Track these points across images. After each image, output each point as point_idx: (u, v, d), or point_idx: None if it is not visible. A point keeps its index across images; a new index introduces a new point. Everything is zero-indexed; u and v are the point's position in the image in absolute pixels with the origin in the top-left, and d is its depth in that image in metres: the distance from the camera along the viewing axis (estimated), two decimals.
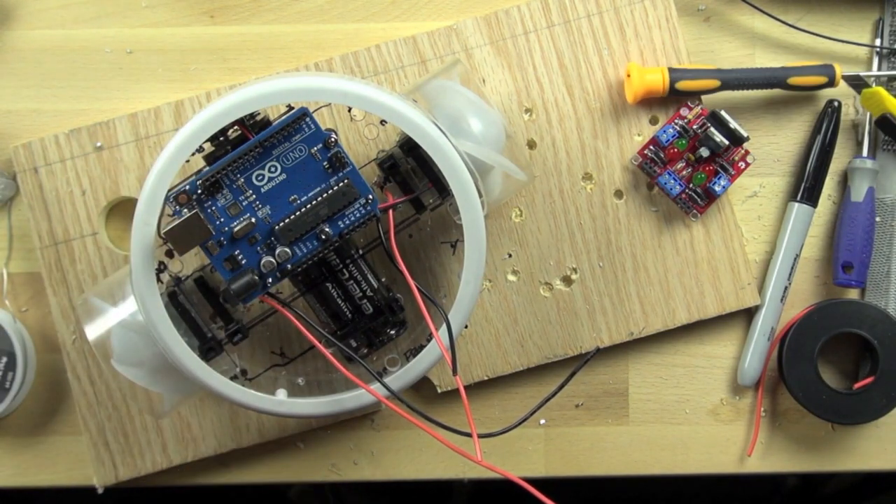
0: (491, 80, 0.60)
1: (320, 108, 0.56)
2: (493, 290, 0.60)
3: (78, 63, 0.61)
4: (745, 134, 0.58)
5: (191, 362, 0.50)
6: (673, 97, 0.60)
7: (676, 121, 0.60)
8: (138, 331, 0.52)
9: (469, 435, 0.47)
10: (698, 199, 0.60)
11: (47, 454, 0.62)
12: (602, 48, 0.60)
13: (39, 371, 0.61)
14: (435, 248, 0.60)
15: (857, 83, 0.60)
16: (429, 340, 0.53)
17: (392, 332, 0.55)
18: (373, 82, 0.57)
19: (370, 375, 0.50)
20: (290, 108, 0.50)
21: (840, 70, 0.59)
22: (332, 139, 0.49)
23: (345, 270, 0.53)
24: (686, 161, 0.60)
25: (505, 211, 0.60)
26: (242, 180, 0.49)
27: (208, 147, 0.50)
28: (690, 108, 0.60)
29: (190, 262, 0.58)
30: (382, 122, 0.58)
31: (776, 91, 0.61)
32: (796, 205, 0.61)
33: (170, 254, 0.55)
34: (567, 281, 0.61)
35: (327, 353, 0.51)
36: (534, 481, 0.48)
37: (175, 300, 0.52)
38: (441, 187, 0.53)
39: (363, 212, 0.50)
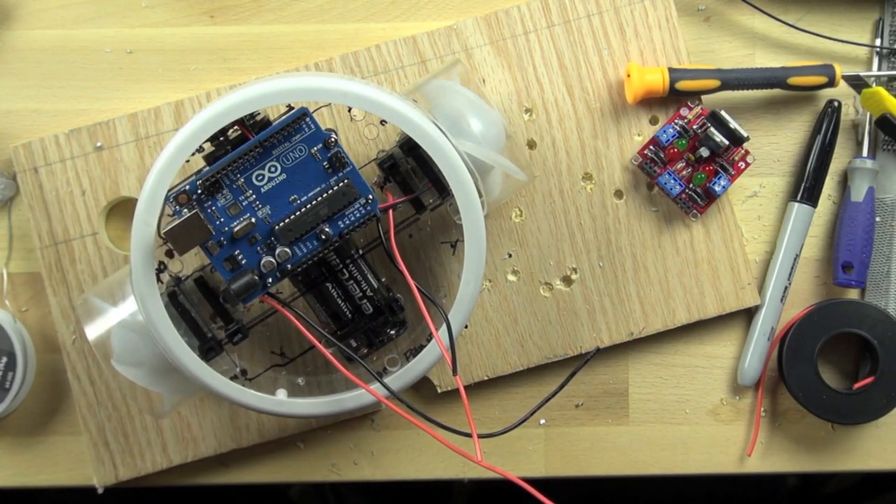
0: (491, 80, 0.60)
1: (320, 108, 0.56)
2: (493, 290, 0.60)
3: (78, 63, 0.61)
4: (745, 134, 0.58)
5: (191, 362, 0.50)
6: (673, 97, 0.60)
7: (676, 121, 0.60)
8: (138, 331, 0.52)
9: (469, 435, 0.47)
10: (698, 199, 0.60)
11: (47, 454, 0.62)
12: (602, 48, 0.60)
13: (39, 371, 0.61)
14: (435, 248, 0.60)
15: (857, 83, 0.60)
16: (429, 340, 0.53)
17: (392, 332, 0.55)
18: (373, 82, 0.57)
19: (370, 375, 0.50)
20: (290, 108, 0.50)
21: (840, 70, 0.59)
22: (332, 139, 0.49)
23: (345, 270, 0.53)
24: (686, 161, 0.60)
25: (505, 211, 0.60)
26: (242, 180, 0.49)
27: (208, 147, 0.50)
28: (690, 108, 0.60)
29: (190, 262, 0.58)
30: (382, 122, 0.58)
31: (776, 91, 0.61)
32: (796, 205, 0.61)
33: (170, 254, 0.55)
34: (567, 281, 0.61)
35: (327, 353, 0.51)
36: (534, 481, 0.48)
37: (175, 300, 0.52)
38: (441, 187, 0.53)
39: (363, 212, 0.50)
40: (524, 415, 0.49)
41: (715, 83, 0.59)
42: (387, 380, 0.52)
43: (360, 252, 0.53)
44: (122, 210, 0.61)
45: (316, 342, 0.50)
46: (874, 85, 0.60)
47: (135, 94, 0.61)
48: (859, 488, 0.97)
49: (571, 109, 0.60)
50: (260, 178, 0.49)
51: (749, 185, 0.62)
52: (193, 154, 0.49)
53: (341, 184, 0.50)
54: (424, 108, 0.52)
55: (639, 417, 0.62)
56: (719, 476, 0.63)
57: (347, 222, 0.50)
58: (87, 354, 0.60)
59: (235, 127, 0.50)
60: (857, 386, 0.60)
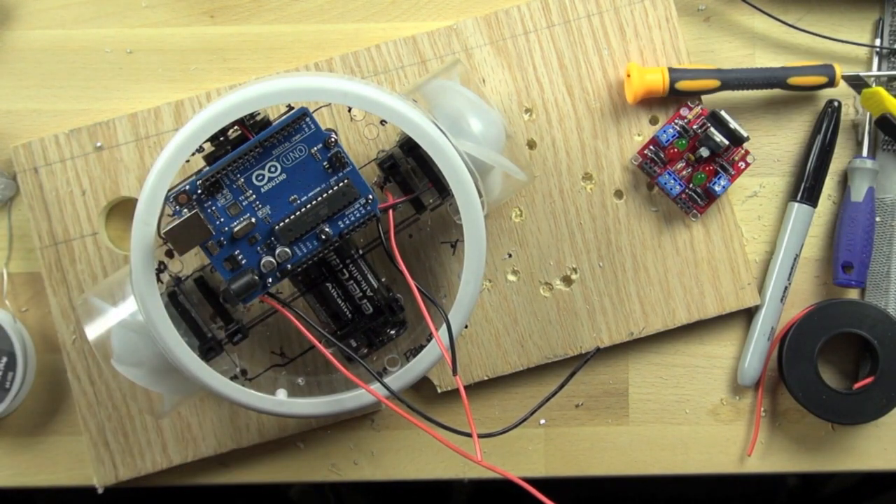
0: (491, 80, 0.60)
1: (320, 108, 0.56)
2: (493, 290, 0.60)
3: (78, 63, 0.61)
4: (745, 134, 0.58)
5: (191, 362, 0.50)
6: (673, 97, 0.60)
7: (676, 121, 0.60)
8: (138, 331, 0.52)
9: (469, 435, 0.47)
10: (698, 199, 0.60)
11: (47, 454, 0.62)
12: (602, 48, 0.60)
13: (39, 371, 0.61)
14: (435, 248, 0.60)
15: (857, 83, 0.60)
16: (429, 340, 0.53)
17: (392, 332, 0.55)
18: (373, 82, 0.57)
19: (370, 375, 0.50)
20: (290, 108, 0.50)
21: (840, 70, 0.59)
22: (332, 139, 0.49)
23: (345, 270, 0.53)
24: (686, 161, 0.60)
25: (505, 211, 0.60)
26: (242, 180, 0.49)
27: (208, 147, 0.50)
28: (690, 108, 0.60)
29: (190, 262, 0.58)
30: (382, 122, 0.58)
31: (776, 91, 0.61)
32: (796, 205, 0.61)
33: (170, 254, 0.55)
34: (567, 281, 0.61)
35: (327, 353, 0.51)
36: (534, 481, 0.48)
37: (175, 300, 0.52)
38: (441, 187, 0.53)
39: (363, 212, 0.50)
40: (524, 415, 0.49)
41: (715, 83, 0.59)
42: (387, 380, 0.52)
43: (360, 252, 0.53)
44: (122, 210, 0.61)
45: (316, 342, 0.50)
46: (874, 85, 0.60)
47: (135, 94, 0.61)
48: (859, 488, 0.97)
49: (571, 109, 0.60)
50: (260, 178, 0.49)
51: (749, 185, 0.62)
52: (193, 154, 0.49)
53: (341, 184, 0.50)
54: (424, 108, 0.52)
55: (639, 417, 0.62)
56: (719, 476, 0.63)
57: (347, 222, 0.50)
58: (87, 354, 0.60)
59: (235, 127, 0.50)
60: (857, 386, 0.60)
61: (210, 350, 0.52)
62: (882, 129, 0.59)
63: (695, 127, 0.59)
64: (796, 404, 0.61)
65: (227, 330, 0.53)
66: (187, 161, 0.49)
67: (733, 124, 0.58)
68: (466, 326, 0.60)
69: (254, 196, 0.49)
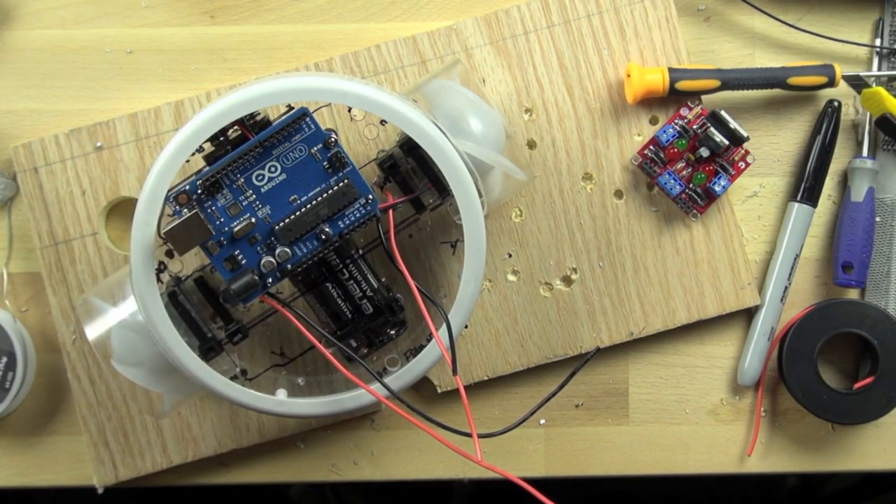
0: (491, 80, 0.60)
1: (320, 108, 0.56)
2: (493, 290, 0.60)
3: (78, 63, 0.61)
4: (745, 134, 0.58)
5: (191, 362, 0.50)
6: (673, 97, 0.60)
7: (676, 121, 0.60)
8: (138, 331, 0.52)
9: (469, 435, 0.47)
10: (698, 199, 0.60)
11: (47, 454, 0.62)
12: (602, 48, 0.60)
13: (39, 371, 0.61)
14: (435, 248, 0.60)
15: (857, 83, 0.60)
16: (429, 340, 0.53)
17: (392, 332, 0.55)
18: (373, 82, 0.57)
19: (370, 375, 0.50)
20: (290, 108, 0.50)
21: (840, 70, 0.59)
22: (332, 139, 0.49)
23: (345, 270, 0.53)
24: (686, 161, 0.60)
25: (505, 211, 0.60)
26: (242, 180, 0.49)
27: (208, 147, 0.50)
28: (690, 108, 0.60)
29: (190, 262, 0.58)
30: (382, 122, 0.58)
31: (776, 91, 0.61)
32: (796, 205, 0.61)
33: (170, 254, 0.55)
34: (567, 281, 0.61)
35: (327, 353, 0.51)
36: (534, 481, 0.48)
37: (175, 300, 0.52)
38: (441, 187, 0.53)
39: (363, 212, 0.50)
40: (524, 415, 0.49)
41: (715, 83, 0.59)
42: (387, 380, 0.52)
43: (360, 252, 0.53)
44: (122, 210, 0.61)
45: (316, 342, 0.50)
46: (874, 85, 0.60)
47: (135, 94, 0.61)
48: (859, 488, 0.97)
49: (571, 109, 0.60)
50: (260, 178, 0.49)
51: (749, 185, 0.62)
52: (193, 154, 0.49)
53: (341, 184, 0.50)
54: (424, 108, 0.52)
55: (639, 417, 0.62)
56: (719, 476, 0.63)
57: (347, 222, 0.50)
58: (87, 354, 0.60)
59: (235, 127, 0.50)
60: (857, 386, 0.60)
61: (210, 350, 0.52)
62: (882, 129, 0.59)
63: (695, 127, 0.59)
64: (796, 404, 0.61)
65: (227, 330, 0.53)
66: (187, 161, 0.49)
67: (733, 124, 0.58)
68: (466, 326, 0.60)
69: (254, 196, 0.49)
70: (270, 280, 0.50)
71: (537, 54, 0.60)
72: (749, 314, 0.62)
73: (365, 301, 0.54)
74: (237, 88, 0.49)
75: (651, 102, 0.60)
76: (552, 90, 0.60)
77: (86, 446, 0.60)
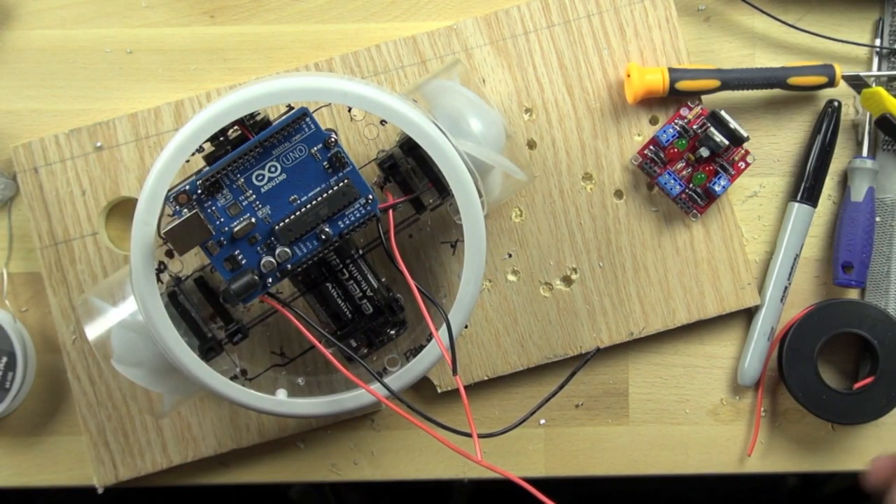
0: (491, 80, 0.60)
1: (320, 108, 0.56)
2: (493, 290, 0.60)
3: (78, 63, 0.61)
4: (745, 134, 0.58)
5: (191, 362, 0.50)
6: (673, 97, 0.60)
7: (676, 121, 0.60)
8: (138, 331, 0.52)
9: (469, 435, 0.47)
10: (698, 199, 0.60)
11: (47, 454, 0.62)
12: (602, 48, 0.60)
13: (39, 371, 0.61)
14: (435, 248, 0.60)
15: (857, 83, 0.60)
16: (429, 340, 0.53)
17: (392, 332, 0.55)
18: (373, 82, 0.57)
19: (370, 375, 0.50)
20: (290, 108, 0.50)
21: (840, 70, 0.59)
22: (332, 139, 0.49)
23: (345, 270, 0.53)
24: (686, 161, 0.60)
25: (505, 211, 0.60)
26: (242, 180, 0.49)
27: (208, 147, 0.50)
28: (690, 108, 0.60)
29: (190, 262, 0.58)
30: (382, 122, 0.58)
31: (776, 91, 0.61)
32: (796, 205, 0.61)
33: (170, 254, 0.55)
34: (567, 281, 0.61)
35: (327, 353, 0.51)
36: (534, 481, 0.48)
37: (175, 300, 0.52)
38: (441, 187, 0.53)
39: (363, 212, 0.50)
40: (524, 415, 0.49)
41: (715, 83, 0.59)
42: (387, 380, 0.52)
43: (360, 252, 0.53)
44: (122, 210, 0.61)
45: (316, 342, 0.50)
46: (874, 85, 0.60)
47: (135, 94, 0.61)
48: (859, 488, 0.97)
49: (571, 109, 0.60)
50: (260, 178, 0.49)
51: (749, 185, 0.62)
52: (193, 154, 0.49)
53: (341, 184, 0.50)
54: (424, 108, 0.52)
55: (639, 417, 0.62)
56: (719, 476, 0.63)
57: (347, 222, 0.50)
58: (87, 354, 0.60)
59: (235, 127, 0.50)
60: (857, 386, 0.60)
61: (210, 350, 0.52)
62: (882, 129, 0.59)
63: (695, 127, 0.59)
64: (796, 404, 0.61)
65: (227, 330, 0.53)
66: (187, 161, 0.49)
67: (733, 124, 0.58)
68: (466, 326, 0.60)
69: (254, 196, 0.49)
70: (270, 280, 0.50)
71: (537, 54, 0.60)
72: (749, 314, 0.62)
73: (365, 301, 0.54)
74: (237, 88, 0.49)
75: (651, 102, 0.60)
76: (552, 90, 0.60)
77: (86, 446, 0.60)
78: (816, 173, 0.61)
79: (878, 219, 0.61)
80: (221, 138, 0.49)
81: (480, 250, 0.51)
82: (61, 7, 0.61)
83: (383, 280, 0.55)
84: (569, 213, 0.60)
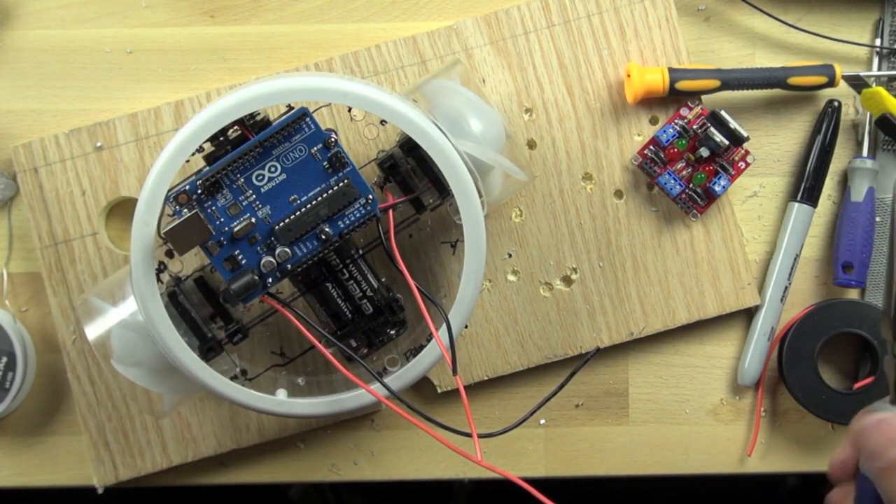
0: (491, 80, 0.60)
1: (320, 108, 0.56)
2: (493, 290, 0.60)
3: (78, 63, 0.61)
4: (745, 134, 0.58)
5: (191, 362, 0.50)
6: (673, 97, 0.60)
7: (676, 121, 0.60)
8: (138, 331, 0.52)
9: (469, 435, 0.47)
10: (698, 199, 0.60)
11: (47, 454, 0.62)
12: (602, 48, 0.60)
13: (39, 371, 0.61)
14: (435, 248, 0.60)
15: (857, 83, 0.60)
16: (429, 340, 0.53)
17: (392, 332, 0.55)
18: (373, 82, 0.57)
19: (370, 375, 0.50)
20: (290, 108, 0.50)
21: (840, 70, 0.59)
22: (332, 139, 0.49)
23: (345, 270, 0.53)
24: (686, 161, 0.60)
25: (505, 211, 0.60)
26: (242, 180, 0.49)
27: (208, 147, 0.50)
28: (690, 108, 0.60)
29: (190, 262, 0.58)
30: (382, 122, 0.58)
31: (776, 91, 0.61)
32: (796, 205, 0.61)
33: (170, 254, 0.55)
34: (567, 281, 0.61)
35: (327, 353, 0.51)
36: (534, 481, 0.48)
37: (175, 300, 0.52)
38: (441, 187, 0.53)
39: (363, 212, 0.50)
40: (524, 415, 0.49)
41: (715, 83, 0.59)
42: (387, 380, 0.52)
43: (360, 252, 0.53)
44: (122, 210, 0.60)
45: (316, 342, 0.50)
46: (874, 85, 0.60)
47: (135, 94, 0.61)
48: None
49: (571, 109, 0.60)
50: (260, 178, 0.49)
51: (749, 185, 0.62)
52: (193, 154, 0.49)
53: (341, 184, 0.50)
54: (424, 108, 0.52)
55: (639, 417, 0.62)
56: (719, 476, 0.63)
57: (347, 222, 0.50)
58: (87, 354, 0.60)
59: (235, 127, 0.50)
60: (857, 386, 0.60)
61: (210, 350, 0.52)
62: (882, 129, 0.59)
63: (695, 127, 0.59)
64: (796, 404, 0.61)
65: (227, 330, 0.53)
66: (187, 161, 0.49)
67: (733, 124, 0.58)
68: (466, 326, 0.60)
69: (254, 196, 0.49)
70: (270, 280, 0.50)
71: (537, 54, 0.60)
72: (749, 314, 0.62)
73: (365, 301, 0.54)
74: (237, 88, 0.49)
75: (651, 102, 0.60)
76: (552, 90, 0.60)
77: (86, 446, 0.60)
78: (816, 173, 0.61)
79: (878, 219, 0.61)
80: (221, 138, 0.49)
81: (480, 250, 0.51)
82: (61, 7, 0.61)
83: (383, 280, 0.55)
84: (569, 213, 0.60)
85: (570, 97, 0.60)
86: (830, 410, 0.60)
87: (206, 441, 0.60)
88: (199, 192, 0.49)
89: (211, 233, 0.48)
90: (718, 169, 0.60)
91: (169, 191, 0.48)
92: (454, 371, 0.49)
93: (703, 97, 0.60)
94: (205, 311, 0.53)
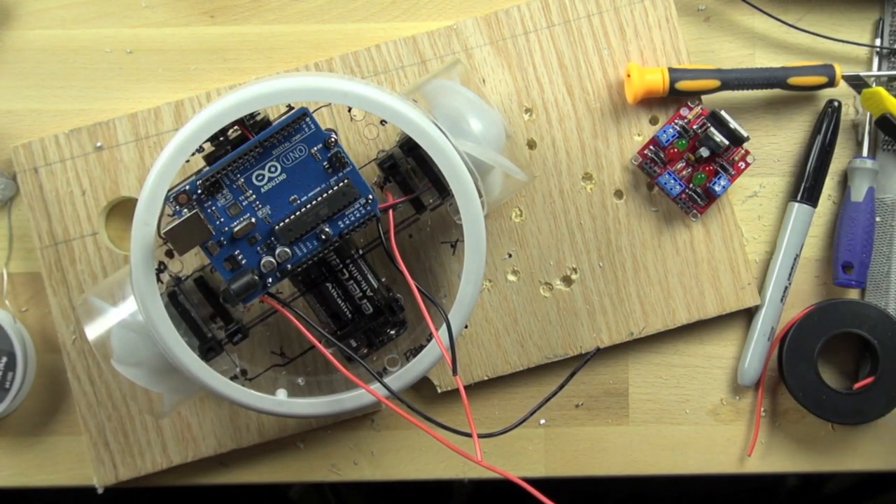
0: (491, 80, 0.60)
1: (320, 108, 0.56)
2: (493, 290, 0.60)
3: (78, 63, 0.61)
4: (745, 134, 0.58)
5: (191, 362, 0.50)
6: (673, 97, 0.60)
7: (676, 121, 0.60)
8: (138, 331, 0.52)
9: (469, 435, 0.47)
10: (698, 199, 0.60)
11: (47, 454, 0.62)
12: (602, 48, 0.60)
13: (39, 371, 0.61)
14: (435, 248, 0.60)
15: (857, 83, 0.60)
16: (429, 340, 0.53)
17: (392, 332, 0.55)
18: (373, 82, 0.57)
19: (370, 375, 0.50)
20: (290, 108, 0.50)
21: (840, 70, 0.59)
22: (332, 139, 0.49)
23: (345, 270, 0.53)
24: (686, 161, 0.60)
25: (505, 211, 0.60)
26: (242, 180, 0.49)
27: (208, 147, 0.50)
28: (690, 108, 0.60)
29: (190, 262, 0.58)
30: (382, 122, 0.58)
31: (776, 91, 0.61)
32: (796, 205, 0.61)
33: (170, 254, 0.55)
34: (567, 281, 0.61)
35: (327, 353, 0.51)
36: (534, 481, 0.48)
37: (175, 300, 0.52)
38: (441, 187, 0.53)
39: (363, 212, 0.50)
40: (524, 415, 0.49)
41: (715, 83, 0.59)
42: (387, 380, 0.52)
43: (360, 252, 0.53)
44: (122, 210, 0.61)
45: (316, 342, 0.50)
46: (874, 85, 0.60)
47: (135, 94, 0.61)
48: (859, 488, 0.97)
49: (571, 109, 0.60)
50: (260, 178, 0.49)
51: (749, 185, 0.62)
52: (193, 154, 0.49)
53: (341, 184, 0.50)
54: (424, 108, 0.52)
55: (639, 417, 0.62)
56: (719, 476, 0.63)
57: (347, 222, 0.50)
58: (87, 354, 0.60)
59: (235, 127, 0.50)
60: (857, 386, 0.60)
61: (210, 350, 0.52)
62: (882, 129, 0.59)
63: (695, 127, 0.59)
64: (796, 404, 0.61)
65: (227, 330, 0.53)
66: (187, 161, 0.49)
67: (733, 124, 0.58)
68: (466, 326, 0.60)
69: (254, 196, 0.49)
70: (270, 280, 0.50)
71: (537, 54, 0.60)
72: (749, 314, 0.62)
73: (365, 301, 0.54)
74: (237, 88, 0.49)
75: (651, 102, 0.60)
76: (552, 90, 0.60)
77: (86, 446, 0.60)
78: (816, 173, 0.61)
79: (878, 219, 0.61)
80: (221, 138, 0.49)
81: (480, 250, 0.51)
82: (61, 7, 0.61)
83: (383, 280, 0.55)
84: (569, 213, 0.60)
85: (570, 97, 0.60)
86: (830, 410, 0.60)
87: (206, 441, 0.60)
88: (199, 192, 0.49)
89: (211, 233, 0.48)
90: (718, 169, 0.60)
91: (169, 191, 0.48)
92: (454, 371, 0.49)
93: (703, 97, 0.60)
94: (205, 311, 0.53)
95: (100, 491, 0.61)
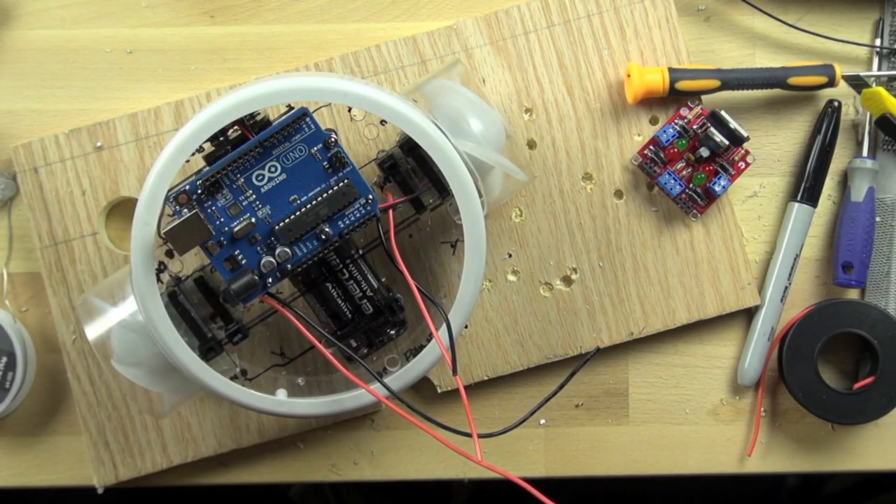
0: (491, 80, 0.60)
1: (320, 108, 0.56)
2: (493, 290, 0.60)
3: (78, 63, 0.61)
4: (745, 134, 0.58)
5: (191, 362, 0.50)
6: (673, 97, 0.60)
7: (676, 121, 0.60)
8: (138, 331, 0.52)
9: (469, 435, 0.47)
10: (698, 199, 0.60)
11: (47, 454, 0.62)
12: (602, 48, 0.60)
13: (39, 371, 0.61)
14: (435, 248, 0.60)
15: (857, 83, 0.60)
16: (429, 340, 0.53)
17: (392, 332, 0.55)
18: (373, 82, 0.57)
19: (370, 375, 0.50)
20: (290, 108, 0.50)
21: (840, 70, 0.59)
22: (332, 139, 0.49)
23: (345, 270, 0.53)
24: (686, 161, 0.60)
25: (505, 211, 0.60)
26: (242, 180, 0.49)
27: (208, 147, 0.50)
28: (690, 108, 0.60)
29: (190, 262, 0.58)
30: (382, 122, 0.58)
31: (776, 91, 0.61)
32: (796, 205, 0.61)
33: (170, 254, 0.55)
34: (567, 281, 0.61)
35: (327, 353, 0.51)
36: (534, 481, 0.48)
37: (175, 300, 0.52)
38: (441, 187, 0.53)
39: (363, 212, 0.50)
40: (524, 415, 0.49)
41: (715, 83, 0.59)
42: (387, 380, 0.52)
43: (360, 252, 0.53)
44: (122, 210, 0.61)
45: (316, 342, 0.50)
46: (874, 85, 0.60)
47: (135, 94, 0.61)
48: (859, 488, 0.97)
49: (571, 109, 0.60)
50: (260, 178, 0.49)
51: (749, 185, 0.62)
52: (193, 154, 0.49)
53: (341, 184, 0.50)
54: (424, 108, 0.52)
55: (639, 417, 0.62)
56: (719, 476, 0.63)
57: (347, 222, 0.50)
58: (87, 354, 0.60)
59: (235, 127, 0.50)
60: (857, 386, 0.60)
61: (210, 350, 0.52)
62: (882, 129, 0.59)
63: (695, 127, 0.59)
64: (796, 404, 0.61)
65: (227, 330, 0.53)
66: (187, 161, 0.49)
67: (733, 124, 0.58)
68: (466, 326, 0.60)
69: (254, 196, 0.49)
70: (270, 280, 0.50)
71: (537, 54, 0.60)
72: (749, 314, 0.62)
73: (365, 301, 0.54)
74: (237, 88, 0.49)
75: (651, 102, 0.60)
76: (552, 90, 0.60)
77: (86, 446, 0.60)
78: (816, 173, 0.61)
79: (878, 219, 0.61)
80: (221, 138, 0.49)
81: (480, 250, 0.51)
82: (61, 7, 0.61)
83: (383, 280, 0.55)
84: (569, 213, 0.60)
85: (570, 97, 0.60)
86: (830, 410, 0.60)
87: (206, 441, 0.60)
88: (199, 192, 0.49)
89: (211, 233, 0.48)
90: (718, 169, 0.60)
91: (169, 191, 0.48)
92: (454, 371, 0.49)
93: (703, 97, 0.60)
94: (205, 311, 0.53)
95: (100, 491, 0.61)
